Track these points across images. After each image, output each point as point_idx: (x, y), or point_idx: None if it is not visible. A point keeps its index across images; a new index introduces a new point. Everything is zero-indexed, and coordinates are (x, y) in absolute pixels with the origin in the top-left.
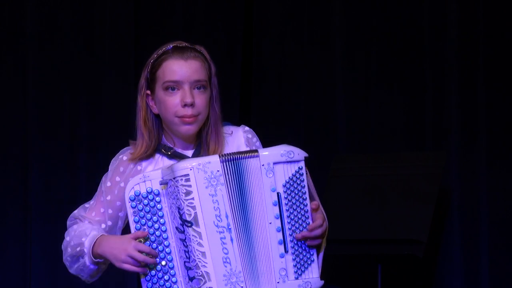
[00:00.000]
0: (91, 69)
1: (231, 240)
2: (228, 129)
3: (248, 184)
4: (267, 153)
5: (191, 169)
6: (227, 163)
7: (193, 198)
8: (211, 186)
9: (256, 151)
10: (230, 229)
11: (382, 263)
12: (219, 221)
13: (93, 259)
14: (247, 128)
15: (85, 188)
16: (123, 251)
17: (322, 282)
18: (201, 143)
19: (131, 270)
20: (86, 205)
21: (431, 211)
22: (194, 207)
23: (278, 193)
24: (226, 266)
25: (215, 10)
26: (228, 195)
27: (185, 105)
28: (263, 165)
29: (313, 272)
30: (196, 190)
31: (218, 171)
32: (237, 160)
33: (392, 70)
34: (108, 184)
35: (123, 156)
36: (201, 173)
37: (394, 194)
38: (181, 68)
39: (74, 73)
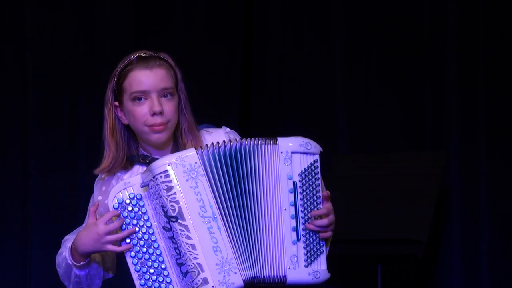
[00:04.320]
0: (91, 69)
1: (219, 228)
2: (208, 128)
3: (255, 170)
4: (286, 141)
5: (169, 165)
6: (207, 153)
7: (175, 193)
8: (191, 179)
9: (276, 138)
10: (216, 218)
11: (382, 263)
12: (204, 211)
13: (77, 264)
14: (228, 129)
15: (85, 188)
16: (96, 234)
17: (329, 274)
18: (178, 147)
19: (117, 250)
20: (80, 228)
21: (431, 211)
22: (177, 202)
23: (294, 182)
24: (217, 255)
25: (215, 10)
26: (210, 185)
27: (154, 114)
28: (281, 152)
29: (322, 264)
30: (177, 185)
31: (196, 163)
32: (226, 148)
33: (392, 70)
34: (94, 205)
35: (105, 175)
36: (180, 167)
37: (394, 194)
38: (147, 78)
39: (74, 73)
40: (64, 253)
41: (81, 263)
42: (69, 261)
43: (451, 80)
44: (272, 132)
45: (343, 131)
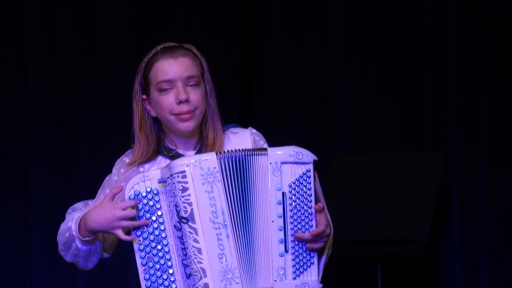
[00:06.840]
0: (91, 69)
1: (227, 236)
2: (235, 129)
3: (252, 181)
4: (276, 152)
5: (187, 166)
6: (225, 160)
7: (189, 195)
8: (207, 183)
9: (265, 149)
10: (226, 225)
11: (382, 263)
12: (215, 217)
13: (82, 238)
14: (254, 130)
15: (85, 188)
16: (112, 216)
17: (321, 285)
18: (202, 143)
19: (124, 238)
20: (89, 202)
21: (431, 211)
22: (190, 204)
23: (283, 193)
24: (221, 262)
25: (215, 10)
26: (225, 191)
27: (180, 102)
28: (270, 163)
29: (312, 275)
30: (193, 187)
31: (214, 168)
32: (239, 157)
33: (392, 70)
34: (109, 183)
35: (126, 158)
36: (198, 169)
37: (394, 194)
38: (172, 67)
39: (74, 73)
40: (70, 223)
41: (86, 238)
42: (74, 233)
43: (451, 80)
44: (272, 132)
45: (343, 131)
